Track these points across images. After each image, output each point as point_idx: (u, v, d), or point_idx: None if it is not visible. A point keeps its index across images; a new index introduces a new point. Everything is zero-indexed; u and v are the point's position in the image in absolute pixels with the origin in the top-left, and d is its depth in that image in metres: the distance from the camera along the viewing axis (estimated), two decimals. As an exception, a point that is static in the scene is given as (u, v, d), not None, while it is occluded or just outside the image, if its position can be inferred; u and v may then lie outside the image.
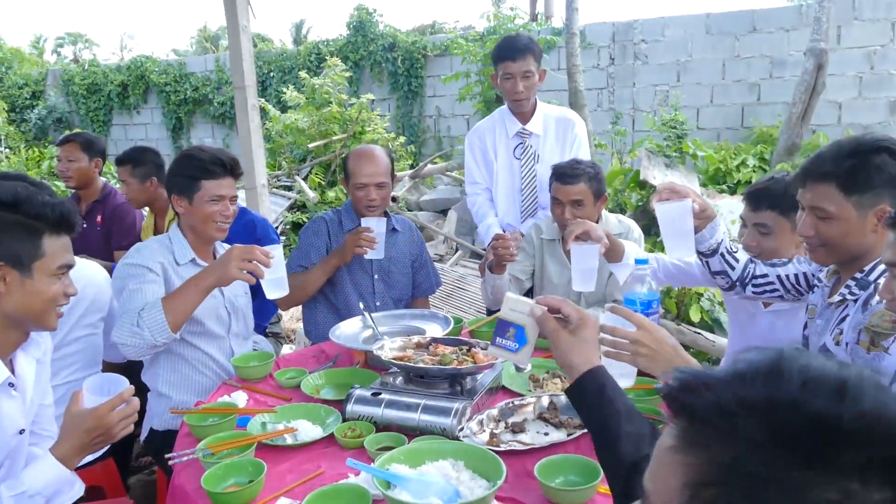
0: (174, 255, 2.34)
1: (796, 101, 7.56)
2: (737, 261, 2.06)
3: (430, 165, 8.69)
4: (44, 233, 1.63)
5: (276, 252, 2.13)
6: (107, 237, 3.75)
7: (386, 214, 2.95)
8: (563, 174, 2.68)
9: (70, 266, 1.70)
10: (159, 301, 2.10)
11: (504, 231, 3.10)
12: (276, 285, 2.16)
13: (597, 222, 2.84)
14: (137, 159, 3.53)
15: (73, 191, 3.90)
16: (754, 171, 7.69)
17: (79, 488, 1.67)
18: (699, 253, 2.08)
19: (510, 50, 3.08)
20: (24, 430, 1.69)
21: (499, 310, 1.39)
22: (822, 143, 7.77)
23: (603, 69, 9.88)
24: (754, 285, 2.06)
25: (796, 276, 2.01)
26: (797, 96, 7.55)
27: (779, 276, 2.03)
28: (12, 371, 1.71)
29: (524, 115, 3.25)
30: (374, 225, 2.67)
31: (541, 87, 3.25)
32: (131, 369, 2.36)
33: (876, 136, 1.73)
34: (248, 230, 3.09)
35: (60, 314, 1.72)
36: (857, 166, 1.65)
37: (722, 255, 2.05)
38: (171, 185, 2.38)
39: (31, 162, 11.01)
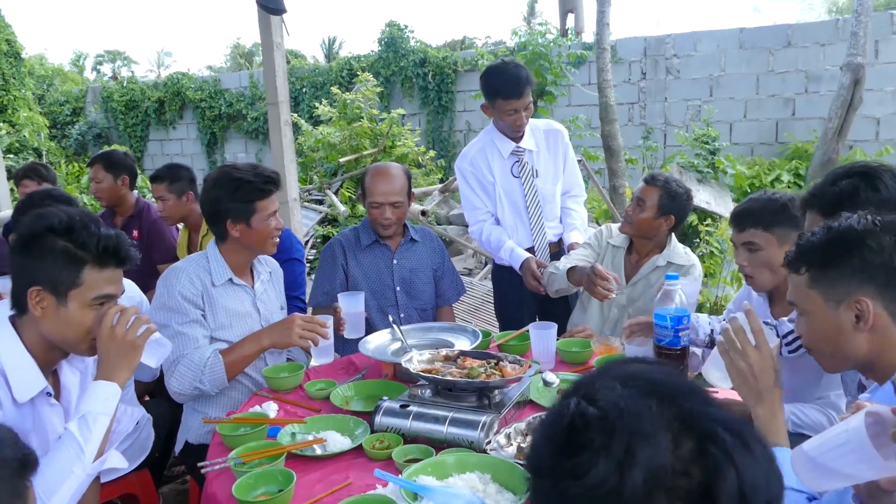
0: (211, 275, 2.34)
1: (832, 116, 7.44)
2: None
3: (459, 180, 8.71)
4: (86, 263, 1.65)
5: (329, 322, 2.33)
6: (145, 252, 3.81)
7: (405, 226, 2.97)
8: (651, 174, 2.83)
9: (111, 297, 1.71)
10: (219, 357, 2.23)
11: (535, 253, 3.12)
12: (324, 353, 2.36)
13: (663, 244, 2.83)
14: (173, 176, 3.60)
15: (105, 208, 4.00)
16: (789, 187, 7.57)
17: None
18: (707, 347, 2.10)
19: (515, 87, 2.94)
20: (62, 436, 1.74)
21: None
22: (859, 158, 7.64)
23: (634, 84, 9.83)
24: (787, 344, 1.95)
25: None
26: (833, 111, 7.44)
27: None
28: (58, 380, 1.77)
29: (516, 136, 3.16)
30: (347, 304, 2.51)
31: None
32: (163, 384, 2.39)
33: (853, 163, 1.76)
34: None
35: None
36: (831, 193, 1.69)
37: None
38: (225, 211, 2.32)
39: (70, 177, 11.29)
